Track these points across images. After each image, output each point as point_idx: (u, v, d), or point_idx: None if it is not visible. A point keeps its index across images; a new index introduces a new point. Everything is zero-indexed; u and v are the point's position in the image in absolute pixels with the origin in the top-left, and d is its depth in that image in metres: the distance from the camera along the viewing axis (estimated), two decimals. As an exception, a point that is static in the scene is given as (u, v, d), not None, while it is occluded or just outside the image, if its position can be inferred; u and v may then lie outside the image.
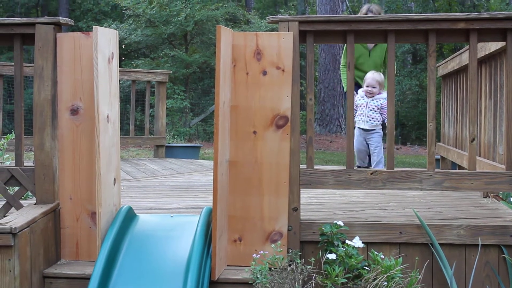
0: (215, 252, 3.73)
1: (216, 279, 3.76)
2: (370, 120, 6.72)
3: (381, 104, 6.67)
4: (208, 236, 3.89)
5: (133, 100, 9.46)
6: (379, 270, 3.68)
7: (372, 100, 6.67)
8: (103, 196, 3.91)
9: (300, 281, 3.58)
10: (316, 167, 4.22)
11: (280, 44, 4.03)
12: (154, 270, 3.75)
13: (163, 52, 19.69)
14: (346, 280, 3.66)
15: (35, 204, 4.19)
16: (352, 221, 4.08)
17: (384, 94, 6.59)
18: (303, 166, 4.11)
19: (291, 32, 4.05)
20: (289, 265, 3.71)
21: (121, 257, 3.83)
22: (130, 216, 4.09)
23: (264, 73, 4.04)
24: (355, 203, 5.08)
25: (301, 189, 4.10)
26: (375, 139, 6.84)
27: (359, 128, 6.83)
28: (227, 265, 4.02)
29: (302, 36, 4.13)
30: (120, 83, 5.63)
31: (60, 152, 4.21)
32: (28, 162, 4.49)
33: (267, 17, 4.24)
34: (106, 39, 4.05)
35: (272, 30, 18.43)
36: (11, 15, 25.58)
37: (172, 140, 13.98)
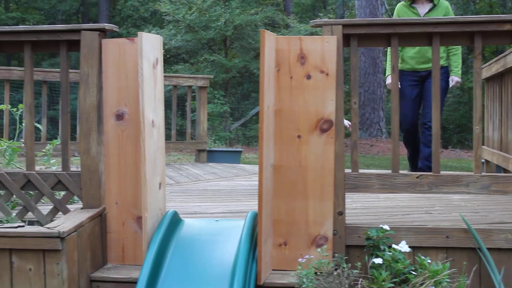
0: (260, 256, 3.73)
1: (262, 283, 3.75)
2: None
3: None
4: (254, 240, 3.89)
5: (175, 105, 9.51)
6: (426, 275, 3.65)
7: None
8: (148, 200, 3.94)
9: (347, 286, 3.56)
10: (360, 171, 4.20)
11: (324, 48, 4.02)
12: (200, 274, 3.76)
13: (203, 57, 19.76)
14: (393, 285, 3.63)
15: (81, 208, 4.24)
16: (397, 225, 4.04)
17: None
18: (347, 170, 4.09)
19: (334, 36, 4.04)
20: (335, 269, 3.70)
21: (167, 261, 3.85)
22: (175, 220, 4.11)
23: (308, 77, 4.03)
24: (400, 207, 5.05)
25: (346, 193, 4.08)
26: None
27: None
28: (272, 270, 4.02)
29: (346, 39, 4.11)
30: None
31: (105, 157, 4.25)
32: (72, 167, 4.53)
33: (311, 21, 4.23)
34: (150, 45, 4.08)
35: (312, 34, 18.39)
36: (52, 22, 25.92)
37: (213, 144, 14.03)
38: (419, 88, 6.81)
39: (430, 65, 6.33)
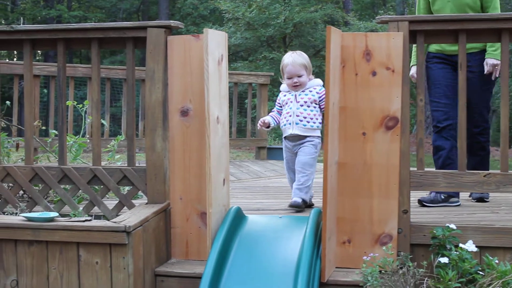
0: (324, 254, 3.72)
1: (325, 280, 3.74)
2: (302, 120, 4.75)
3: (318, 93, 4.78)
4: (317, 237, 3.88)
5: (235, 102, 9.56)
6: (494, 275, 3.58)
7: (303, 91, 4.81)
8: (213, 196, 3.96)
9: (412, 285, 3.52)
10: (425, 169, 4.15)
11: (390, 44, 3.98)
12: (264, 271, 3.77)
13: (262, 55, 19.80)
14: (459, 285, 3.58)
15: (146, 204, 4.28)
16: (463, 224, 3.98)
17: (317, 79, 4.90)
18: (413, 168, 4.05)
19: (401, 32, 3.99)
20: (400, 268, 3.66)
21: (231, 257, 3.86)
22: (239, 217, 4.12)
23: (374, 73, 4.00)
24: (465, 206, 4.97)
25: (411, 191, 4.03)
26: (306, 149, 4.78)
27: (285, 139, 4.87)
28: (336, 267, 4.00)
29: (412, 36, 4.06)
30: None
31: (170, 153, 4.29)
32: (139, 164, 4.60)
33: (376, 17, 4.20)
34: (216, 41, 4.09)
35: (372, 31, 18.25)
36: (113, 21, 26.25)
37: (273, 142, 14.04)
38: (454, 75, 5.08)
39: (467, 50, 4.59)
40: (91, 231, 3.75)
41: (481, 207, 4.92)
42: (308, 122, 4.72)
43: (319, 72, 20.04)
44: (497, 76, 5.00)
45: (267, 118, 4.89)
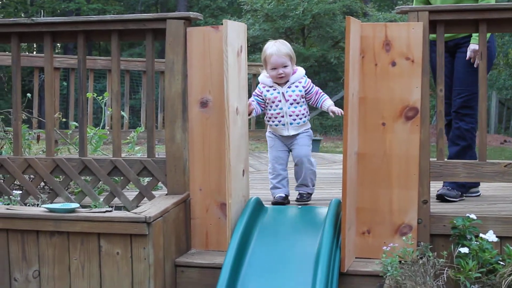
0: (344, 244, 3.72)
1: (345, 270, 3.75)
2: (295, 119, 4.56)
3: (304, 86, 4.55)
4: (337, 228, 3.88)
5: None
6: (515, 265, 3.57)
7: (289, 87, 4.53)
8: (232, 187, 3.97)
9: (432, 275, 3.52)
10: (446, 159, 4.13)
11: (410, 34, 3.97)
12: (284, 261, 3.78)
13: (281, 46, 19.75)
14: (480, 275, 3.57)
15: (166, 195, 4.30)
16: (484, 214, 3.97)
17: (300, 70, 4.61)
18: (432, 159, 4.04)
19: (420, 22, 3.98)
20: (420, 258, 3.66)
21: (251, 248, 3.88)
22: (258, 207, 4.14)
23: (393, 64, 3.99)
24: (486, 196, 4.95)
25: (430, 181, 4.02)
26: (302, 141, 4.61)
27: (275, 135, 4.67)
28: (356, 257, 4.00)
29: (432, 26, 4.05)
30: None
31: (190, 144, 4.30)
32: (158, 156, 4.62)
33: (396, 8, 4.18)
34: (235, 33, 4.10)
35: (390, 22, 18.17)
36: (132, 13, 26.32)
37: (292, 133, 14.07)
38: (450, 64, 4.94)
39: (459, 34, 4.85)
40: (112, 222, 3.77)
41: (501, 197, 4.89)
42: (301, 118, 4.56)
43: (338, 63, 20.02)
44: (478, 62, 4.47)
45: (253, 104, 4.57)
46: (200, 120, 4.29)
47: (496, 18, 3.99)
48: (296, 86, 4.53)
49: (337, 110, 4.44)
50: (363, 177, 4.02)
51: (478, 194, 5.01)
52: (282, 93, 4.51)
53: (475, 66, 4.69)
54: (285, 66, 4.46)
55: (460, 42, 4.74)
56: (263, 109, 4.59)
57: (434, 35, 4.32)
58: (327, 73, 21.89)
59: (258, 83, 4.71)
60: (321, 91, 4.59)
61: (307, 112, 4.60)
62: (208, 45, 4.25)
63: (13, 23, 4.69)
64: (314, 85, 4.57)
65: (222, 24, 4.00)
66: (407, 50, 3.97)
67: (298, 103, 4.53)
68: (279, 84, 4.54)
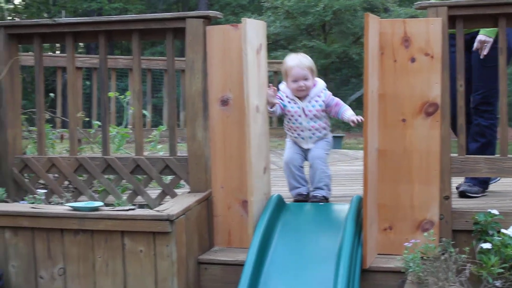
0: (366, 240, 3.74)
1: (367, 267, 3.76)
2: (315, 133, 4.47)
3: (324, 100, 4.45)
4: (359, 224, 3.89)
5: (275, 91, 9.55)
6: (537, 261, 3.56)
7: (309, 102, 4.43)
8: (254, 184, 4.00)
9: (454, 271, 3.52)
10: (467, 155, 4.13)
11: (429, 30, 3.97)
12: (306, 258, 3.80)
13: (302, 43, 19.76)
14: (502, 270, 3.56)
15: (188, 192, 4.34)
16: (506, 210, 3.96)
17: (320, 83, 4.51)
18: (453, 154, 4.03)
19: (439, 18, 3.97)
20: (442, 254, 3.66)
21: (273, 245, 3.90)
22: (280, 204, 4.16)
23: (412, 60, 3.99)
24: (508, 192, 4.93)
25: (452, 177, 4.02)
26: (319, 143, 4.53)
27: (295, 143, 4.58)
28: (378, 254, 4.01)
29: (451, 21, 4.04)
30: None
31: (211, 142, 4.33)
32: (180, 154, 4.64)
33: (415, 3, 4.18)
34: (254, 31, 4.12)
35: (412, 17, 18.08)
36: (153, 12, 26.41)
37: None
38: (467, 58, 4.53)
39: (474, 29, 4.64)
40: (135, 220, 3.81)
41: (524, 193, 4.88)
42: (321, 132, 4.48)
43: (360, 59, 19.96)
44: (485, 53, 4.61)
45: (276, 100, 4.41)
46: (220, 118, 4.31)
47: (516, 12, 3.97)
48: (316, 101, 4.43)
49: (356, 118, 4.34)
50: (384, 174, 4.03)
51: (498, 179, 4.96)
52: (303, 108, 4.42)
53: (481, 57, 4.63)
54: (306, 79, 4.37)
55: (476, 35, 4.66)
56: (282, 111, 4.48)
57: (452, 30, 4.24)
58: (349, 69, 21.86)
59: (280, 81, 4.65)
60: (341, 102, 4.49)
61: (327, 125, 4.53)
62: (228, 43, 4.27)
63: (35, 24, 4.76)
64: (334, 97, 4.47)
65: (241, 22, 4.02)
66: (426, 46, 3.97)
67: (318, 117, 4.43)
68: (299, 98, 4.43)
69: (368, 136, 3.79)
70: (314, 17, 19.28)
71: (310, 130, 4.45)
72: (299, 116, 4.42)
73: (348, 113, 4.40)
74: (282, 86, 4.53)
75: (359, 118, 4.30)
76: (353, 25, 19.88)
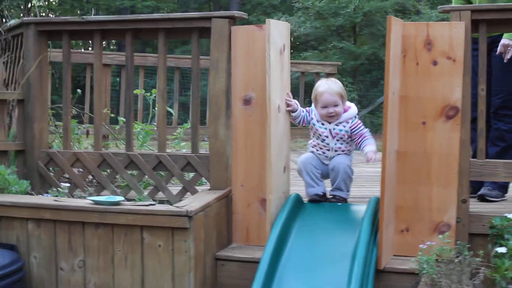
0: (381, 241, 3.76)
1: (382, 268, 3.79)
2: (340, 153, 4.44)
3: (351, 127, 4.42)
4: (375, 225, 3.92)
5: (302, 92, 9.59)
6: (552, 266, 3.56)
7: (337, 125, 4.40)
8: (273, 183, 4.04)
9: (468, 274, 3.54)
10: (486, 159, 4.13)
11: (452, 34, 3.98)
12: (321, 257, 3.83)
13: (332, 44, 19.75)
14: (517, 275, 3.57)
15: (209, 190, 4.40)
16: (524, 215, 3.96)
17: (353, 109, 4.49)
18: (473, 158, 4.05)
19: (462, 22, 3.99)
20: (457, 257, 3.67)
21: (289, 243, 3.94)
22: (298, 203, 4.20)
23: (435, 63, 4.01)
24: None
25: (470, 180, 4.03)
26: (340, 155, 4.46)
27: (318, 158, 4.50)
28: (393, 255, 4.03)
29: (474, 25, 4.05)
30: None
31: (233, 141, 4.38)
32: (202, 151, 4.70)
33: (439, 7, 4.20)
34: (278, 31, 4.17)
35: (443, 20, 18.01)
36: (185, 11, 26.53)
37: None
38: (487, 61, 4.40)
39: (495, 33, 4.62)
40: (155, 215, 3.88)
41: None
42: (344, 151, 4.43)
43: (389, 61, 19.86)
44: (508, 57, 4.62)
45: (297, 106, 4.42)
46: (243, 117, 4.37)
47: (539, 18, 3.97)
48: (344, 126, 4.40)
49: (372, 158, 4.28)
50: (403, 176, 4.05)
51: None
52: (330, 129, 4.40)
53: (505, 61, 4.63)
54: (336, 105, 4.33)
55: (496, 39, 4.65)
56: (302, 122, 4.45)
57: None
58: (378, 71, 21.75)
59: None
60: (367, 134, 4.45)
61: (352, 147, 4.51)
62: (252, 43, 4.32)
63: (64, 21, 4.85)
64: (362, 127, 4.42)
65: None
66: (449, 50, 3.98)
67: (344, 140, 4.41)
68: (330, 122, 4.40)
69: (387, 138, 3.82)
70: (345, 18, 19.26)
71: (336, 151, 4.42)
72: (326, 137, 4.40)
73: (368, 148, 4.35)
74: (313, 106, 4.48)
75: (375, 159, 4.26)
76: (383, 27, 19.78)
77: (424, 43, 4.02)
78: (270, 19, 4.09)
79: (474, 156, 4.54)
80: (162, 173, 4.75)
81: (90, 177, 5.09)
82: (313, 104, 4.49)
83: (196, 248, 3.87)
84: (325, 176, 4.47)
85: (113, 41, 23.66)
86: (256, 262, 3.90)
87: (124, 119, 5.78)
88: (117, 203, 4.02)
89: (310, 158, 4.46)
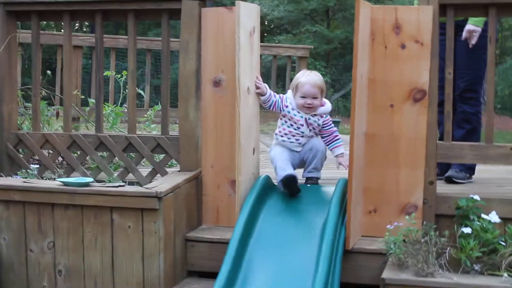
0: (349, 222, 3.81)
1: (350, 248, 3.83)
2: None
3: (323, 121, 4.51)
4: (343, 206, 3.97)
5: (274, 75, 9.61)
6: (516, 246, 3.63)
7: (312, 116, 4.45)
8: (242, 164, 4.07)
9: (434, 253, 3.59)
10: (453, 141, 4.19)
11: (420, 17, 4.02)
12: (290, 237, 3.87)
13: (305, 28, 19.78)
14: (481, 254, 3.63)
15: (178, 171, 4.41)
16: (489, 196, 4.01)
17: (328, 105, 4.54)
18: (439, 141, 4.10)
19: (430, 6, 4.02)
20: (423, 237, 3.73)
21: (259, 223, 3.97)
22: (268, 185, 4.23)
23: (403, 46, 4.04)
24: (494, 179, 4.99)
25: (437, 163, 4.08)
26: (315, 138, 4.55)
27: (284, 146, 4.52)
28: (362, 236, 4.08)
29: (442, 9, 4.08)
30: (261, 58, 5.75)
31: (202, 123, 4.40)
32: (174, 133, 4.71)
33: (407, -9, 4.23)
34: (247, 13, 4.18)
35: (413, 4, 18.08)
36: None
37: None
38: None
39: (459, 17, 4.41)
40: (124, 196, 3.89)
41: (511, 180, 4.93)
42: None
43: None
44: (473, 43, 4.73)
45: (266, 89, 4.44)
46: (213, 99, 4.38)
47: (506, 2, 4.02)
48: (318, 119, 4.46)
49: (345, 166, 4.35)
50: (371, 158, 4.09)
51: None
52: (305, 119, 4.44)
53: (470, 46, 4.72)
54: (315, 98, 4.39)
55: (460, 24, 4.70)
56: (272, 107, 4.49)
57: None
58: (351, 55, 21.82)
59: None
60: (337, 133, 4.54)
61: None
62: (222, 25, 4.33)
63: (33, 2, 4.81)
64: (333, 125, 4.50)
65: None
66: (417, 33, 4.02)
67: (315, 132, 4.49)
68: (306, 112, 4.44)
69: (355, 120, 3.85)
70: (318, 2, 19.31)
71: (310, 137, 4.48)
72: (302, 125, 4.43)
73: (338, 151, 4.51)
74: (290, 94, 4.52)
75: (346, 166, 4.32)
76: (356, 11, 19.88)
77: (393, 26, 4.06)
78: (240, 1, 4.10)
79: (441, 138, 4.60)
80: (133, 155, 4.75)
81: (60, 159, 5.08)
82: (289, 92, 4.53)
83: (165, 229, 3.89)
84: (295, 166, 4.49)
85: (86, 22, 23.42)
86: (226, 242, 3.93)
87: (93, 101, 5.76)
88: (86, 185, 4.02)
89: (281, 151, 4.46)
